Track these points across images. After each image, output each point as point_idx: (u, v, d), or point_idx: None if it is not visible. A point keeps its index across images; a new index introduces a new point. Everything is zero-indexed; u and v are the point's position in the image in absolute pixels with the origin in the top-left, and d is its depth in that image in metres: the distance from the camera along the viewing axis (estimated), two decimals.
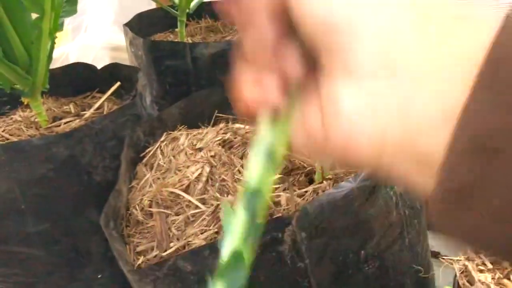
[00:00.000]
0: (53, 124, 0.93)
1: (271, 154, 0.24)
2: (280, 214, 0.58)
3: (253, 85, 0.23)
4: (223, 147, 0.77)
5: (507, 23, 0.18)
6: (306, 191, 0.64)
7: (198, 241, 0.59)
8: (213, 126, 0.86)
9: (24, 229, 0.78)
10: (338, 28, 0.20)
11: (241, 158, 0.74)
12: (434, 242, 1.12)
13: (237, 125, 0.85)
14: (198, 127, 0.85)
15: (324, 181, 0.65)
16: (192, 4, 1.29)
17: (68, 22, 1.92)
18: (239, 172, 0.71)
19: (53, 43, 0.93)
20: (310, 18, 0.20)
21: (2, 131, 0.91)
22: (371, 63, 0.19)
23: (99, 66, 1.96)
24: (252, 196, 0.24)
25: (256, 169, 0.24)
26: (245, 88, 0.24)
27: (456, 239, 0.20)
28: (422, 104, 0.19)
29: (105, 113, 0.95)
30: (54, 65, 1.78)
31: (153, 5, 1.49)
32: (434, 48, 0.19)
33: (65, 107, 1.02)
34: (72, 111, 0.99)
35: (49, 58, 0.92)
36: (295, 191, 0.64)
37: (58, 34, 1.93)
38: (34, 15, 0.82)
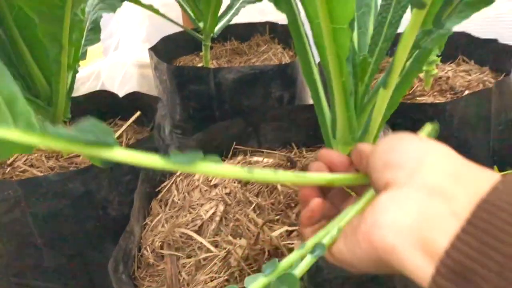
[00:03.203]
0: (73, 154, 0.93)
1: None
2: None
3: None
4: (239, 182, 0.75)
5: (492, 193, 0.27)
6: None
7: None
8: (231, 158, 0.84)
9: (41, 264, 0.78)
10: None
11: (257, 195, 0.71)
12: None
13: (255, 158, 0.83)
14: None
15: None
16: (217, 28, 1.29)
17: (107, 41, 1.96)
18: (254, 211, 0.68)
19: (74, 74, 0.93)
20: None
21: (24, 161, 0.92)
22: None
23: (128, 83, 1.98)
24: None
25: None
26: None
27: None
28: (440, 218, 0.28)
29: (124, 142, 0.95)
30: (86, 82, 1.83)
31: None
32: (458, 188, 0.29)
33: None
34: None
35: (70, 89, 0.93)
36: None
37: (91, 51, 1.97)
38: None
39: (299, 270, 0.37)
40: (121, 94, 1.08)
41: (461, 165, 0.31)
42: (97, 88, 1.73)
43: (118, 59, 2.01)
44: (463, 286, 0.25)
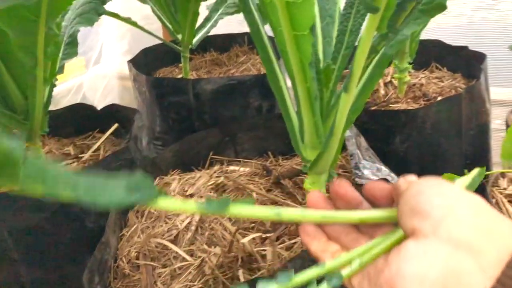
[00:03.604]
0: None
1: None
2: (264, 272, 0.56)
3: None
4: (216, 191, 0.76)
5: None
6: (295, 243, 0.61)
7: None
8: (207, 168, 0.84)
9: (18, 278, 0.77)
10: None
11: None
12: None
13: (231, 167, 0.84)
14: (193, 170, 0.84)
15: None
16: (195, 39, 1.30)
17: (83, 53, 1.97)
18: (229, 219, 0.69)
19: (51, 88, 0.94)
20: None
21: None
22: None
23: (109, 95, 1.98)
24: None
25: None
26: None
27: None
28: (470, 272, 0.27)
29: (102, 154, 0.95)
30: (68, 94, 1.82)
31: None
32: (486, 242, 0.28)
33: (65, 148, 1.02)
34: (72, 153, 0.99)
35: (47, 102, 0.93)
36: (284, 242, 0.62)
37: (73, 65, 1.96)
38: None
39: None
40: (102, 106, 1.09)
41: (491, 218, 0.30)
42: (78, 101, 1.73)
43: (100, 71, 2.01)
44: None
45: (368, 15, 0.42)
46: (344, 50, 0.52)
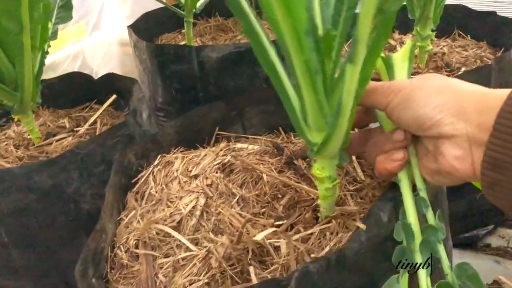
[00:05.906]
0: (45, 142, 0.86)
1: None
2: (277, 267, 0.50)
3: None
4: (222, 171, 0.69)
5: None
6: (311, 233, 0.55)
7: None
8: (213, 145, 0.78)
9: (10, 263, 0.72)
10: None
11: (241, 186, 0.66)
12: None
13: (239, 145, 0.77)
14: (197, 147, 0.77)
15: (333, 220, 0.56)
16: (199, 4, 1.21)
17: (85, 18, 1.89)
18: (238, 204, 0.63)
19: (43, 56, 0.86)
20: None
21: None
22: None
23: (110, 62, 1.90)
24: None
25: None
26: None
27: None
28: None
29: (99, 128, 0.88)
30: (66, 60, 1.74)
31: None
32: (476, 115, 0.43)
33: (60, 120, 0.96)
34: (67, 126, 0.92)
35: (39, 72, 0.85)
36: (299, 231, 0.56)
37: (75, 30, 1.87)
38: None
39: None
40: (102, 73, 1.01)
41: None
42: (76, 69, 1.65)
43: (100, 37, 1.93)
44: None
45: None
46: (346, 11, 0.44)
